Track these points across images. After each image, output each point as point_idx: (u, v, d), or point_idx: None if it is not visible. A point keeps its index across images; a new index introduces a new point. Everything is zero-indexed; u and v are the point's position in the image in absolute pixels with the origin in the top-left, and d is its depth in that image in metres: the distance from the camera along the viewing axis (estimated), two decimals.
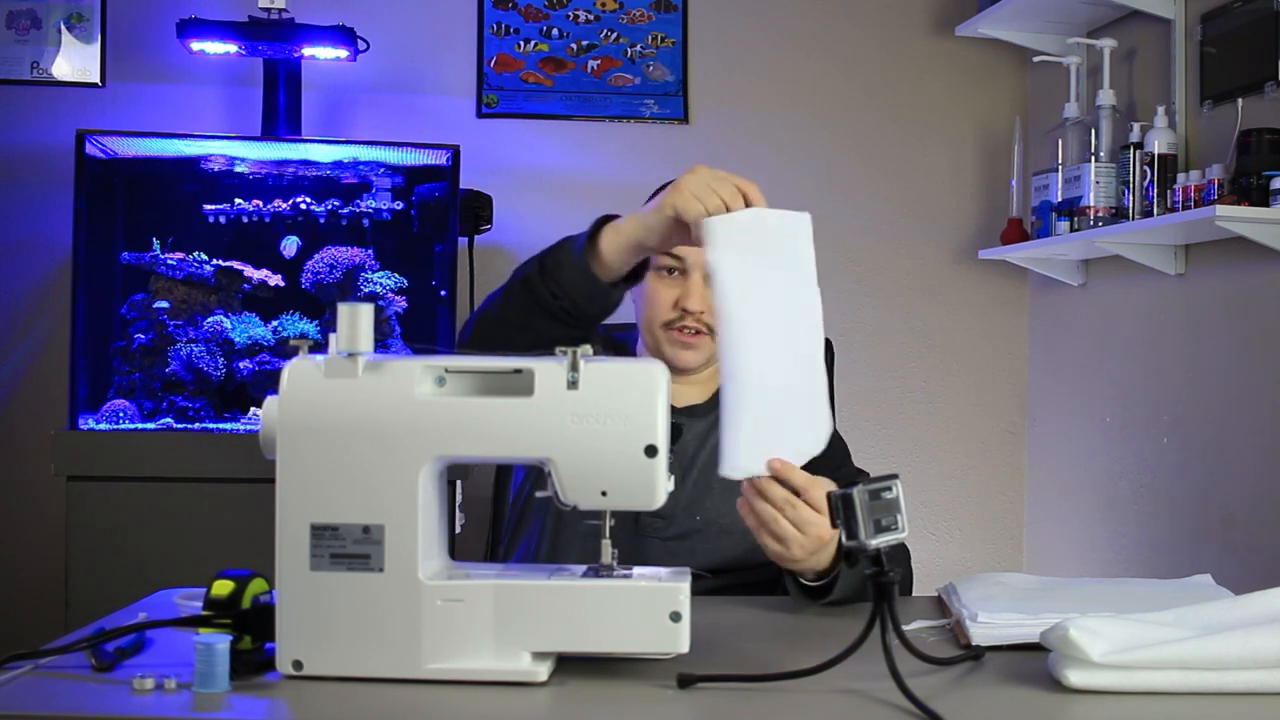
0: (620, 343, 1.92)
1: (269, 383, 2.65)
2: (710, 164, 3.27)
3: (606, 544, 1.22)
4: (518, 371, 1.18)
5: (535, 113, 3.18)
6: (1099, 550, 2.94)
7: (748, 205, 1.40)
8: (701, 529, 1.73)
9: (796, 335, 1.38)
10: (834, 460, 1.82)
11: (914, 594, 1.71)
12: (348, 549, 1.15)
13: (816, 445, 1.38)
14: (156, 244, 2.76)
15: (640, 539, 1.71)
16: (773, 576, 1.75)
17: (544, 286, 1.50)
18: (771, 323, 1.36)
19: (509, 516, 1.90)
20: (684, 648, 1.15)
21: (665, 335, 1.76)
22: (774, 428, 1.35)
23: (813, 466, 1.41)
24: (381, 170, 2.87)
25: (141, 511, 2.53)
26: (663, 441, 1.17)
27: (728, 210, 1.39)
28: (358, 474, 1.15)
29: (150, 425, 2.64)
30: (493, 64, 3.16)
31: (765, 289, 1.36)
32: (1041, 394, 3.26)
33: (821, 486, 1.38)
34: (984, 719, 1.11)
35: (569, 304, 1.49)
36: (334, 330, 1.16)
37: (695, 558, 1.70)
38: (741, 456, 1.33)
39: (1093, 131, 2.68)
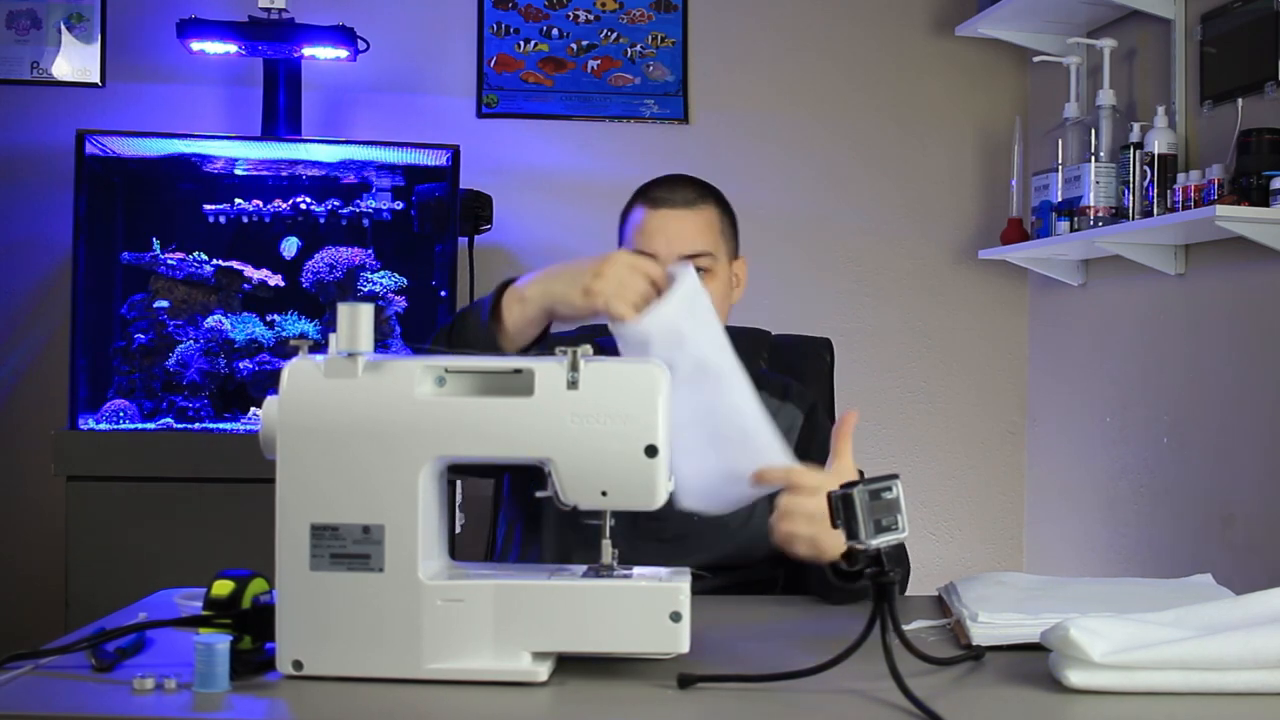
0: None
1: (269, 383, 2.65)
2: (710, 164, 3.28)
3: (607, 544, 1.22)
4: (518, 371, 1.18)
5: (535, 113, 3.18)
6: (1099, 550, 2.94)
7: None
8: (700, 529, 1.73)
9: (714, 418, 1.41)
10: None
11: (914, 594, 1.71)
12: (348, 549, 1.15)
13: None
14: (156, 244, 2.76)
15: (637, 541, 1.71)
16: (769, 576, 1.75)
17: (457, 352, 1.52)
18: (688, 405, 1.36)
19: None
20: (684, 648, 1.15)
21: None
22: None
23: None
24: (381, 170, 2.87)
25: (141, 511, 2.53)
26: (663, 441, 1.17)
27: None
28: (358, 474, 1.15)
29: (150, 425, 2.64)
30: (493, 64, 3.16)
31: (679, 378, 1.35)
32: (1041, 394, 3.26)
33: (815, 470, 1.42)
34: (984, 719, 1.11)
35: None
36: (334, 330, 1.16)
37: (691, 557, 1.70)
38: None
39: (1093, 131, 2.68)
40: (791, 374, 1.96)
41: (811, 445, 1.80)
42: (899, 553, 1.70)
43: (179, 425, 2.64)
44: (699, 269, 1.68)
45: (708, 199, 1.76)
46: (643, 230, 1.73)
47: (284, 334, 2.75)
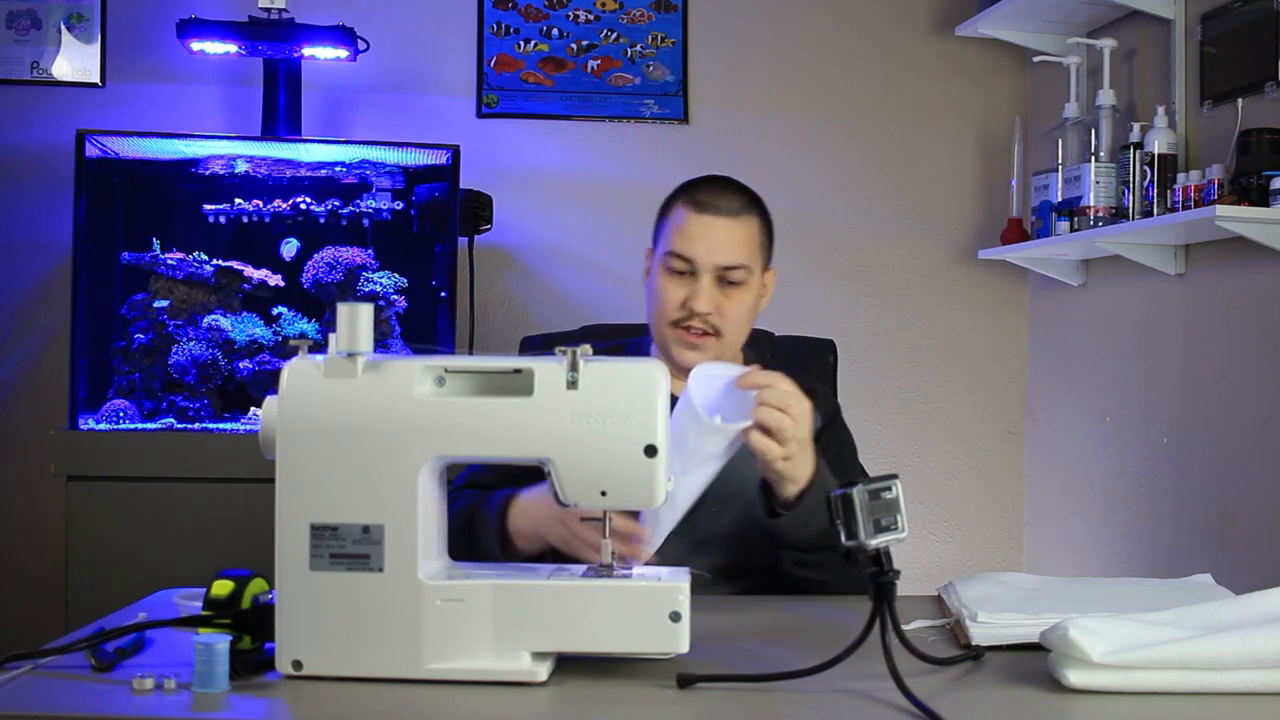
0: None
1: (269, 383, 2.65)
2: (710, 164, 3.27)
3: (606, 544, 1.22)
4: (517, 371, 1.18)
5: (535, 113, 3.18)
6: (1099, 550, 2.94)
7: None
8: (721, 533, 1.72)
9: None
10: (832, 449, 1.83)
11: (914, 594, 1.71)
12: (347, 549, 1.15)
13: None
14: (156, 244, 2.76)
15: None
16: (758, 566, 1.74)
17: (470, 556, 1.57)
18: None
19: None
20: (684, 648, 1.15)
21: (672, 333, 1.76)
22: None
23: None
24: (381, 170, 2.87)
25: (141, 511, 2.53)
26: (662, 441, 1.17)
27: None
28: (357, 474, 1.15)
29: (150, 425, 2.64)
30: (493, 64, 3.16)
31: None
32: (1041, 394, 3.26)
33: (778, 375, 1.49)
34: (984, 719, 1.11)
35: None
36: (334, 330, 1.16)
37: (708, 559, 1.70)
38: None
39: (1093, 131, 2.68)
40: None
41: (825, 454, 1.81)
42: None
43: (179, 425, 2.64)
44: (732, 281, 1.72)
45: (752, 209, 1.76)
46: (684, 232, 1.73)
47: (284, 334, 2.75)
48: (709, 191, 1.75)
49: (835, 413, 1.88)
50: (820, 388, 1.89)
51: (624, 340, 1.93)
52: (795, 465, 1.51)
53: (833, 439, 1.82)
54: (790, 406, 1.47)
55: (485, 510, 1.60)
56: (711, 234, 1.71)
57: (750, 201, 1.76)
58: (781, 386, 1.48)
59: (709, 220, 1.72)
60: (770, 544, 1.65)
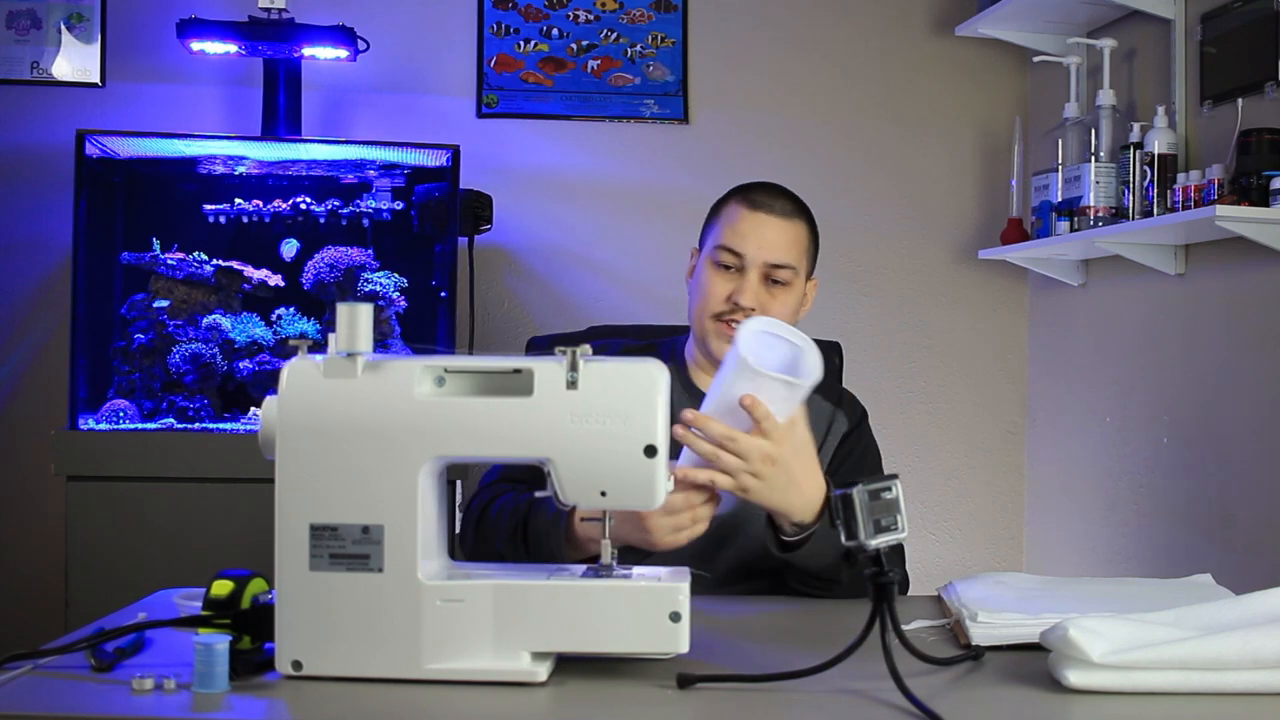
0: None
1: (269, 383, 2.65)
2: (710, 164, 3.26)
3: (606, 544, 1.22)
4: (517, 371, 1.18)
5: (535, 113, 3.17)
6: (1099, 550, 2.94)
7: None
8: (735, 529, 1.72)
9: None
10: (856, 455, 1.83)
11: (914, 594, 1.71)
12: (347, 549, 1.15)
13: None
14: (156, 244, 2.76)
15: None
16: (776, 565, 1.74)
17: (525, 555, 1.59)
18: None
19: None
20: (684, 648, 1.15)
21: (714, 326, 1.78)
22: None
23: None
24: (381, 170, 2.87)
25: (141, 511, 2.53)
26: (662, 441, 1.17)
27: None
28: (357, 474, 1.15)
29: (150, 425, 2.64)
30: (493, 64, 3.16)
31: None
32: (1041, 394, 3.26)
33: (781, 428, 1.43)
34: (984, 719, 1.11)
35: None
36: (334, 330, 1.16)
37: (729, 552, 1.69)
38: None
39: (1093, 131, 2.68)
40: None
41: (849, 458, 1.82)
42: (896, 554, 1.70)
43: (179, 425, 2.64)
44: (778, 281, 1.76)
45: (802, 215, 1.81)
46: (736, 229, 1.76)
47: (284, 334, 2.75)
48: (763, 193, 1.79)
49: (861, 418, 1.89)
50: (849, 394, 1.92)
51: (657, 340, 1.93)
52: (760, 497, 1.48)
53: (856, 444, 1.84)
54: (741, 451, 1.42)
55: (547, 516, 1.58)
56: (762, 231, 1.75)
57: (801, 208, 1.81)
58: (753, 440, 1.43)
59: (762, 218, 1.76)
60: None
